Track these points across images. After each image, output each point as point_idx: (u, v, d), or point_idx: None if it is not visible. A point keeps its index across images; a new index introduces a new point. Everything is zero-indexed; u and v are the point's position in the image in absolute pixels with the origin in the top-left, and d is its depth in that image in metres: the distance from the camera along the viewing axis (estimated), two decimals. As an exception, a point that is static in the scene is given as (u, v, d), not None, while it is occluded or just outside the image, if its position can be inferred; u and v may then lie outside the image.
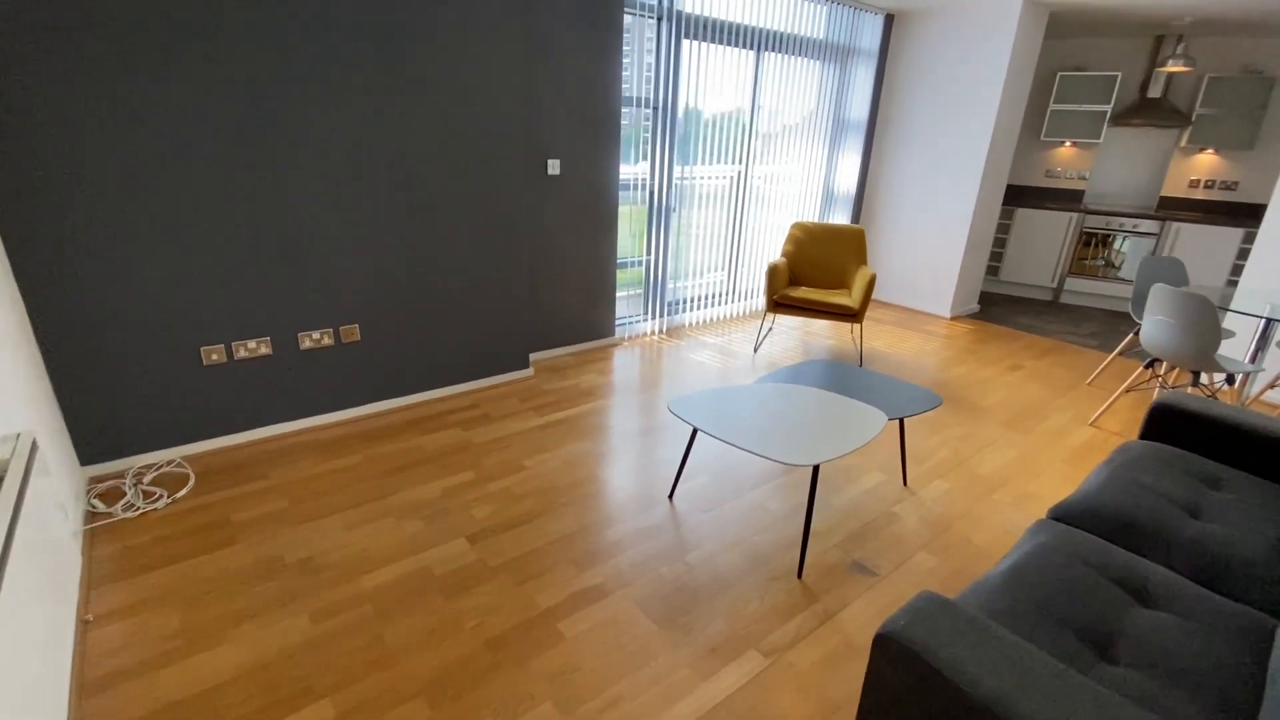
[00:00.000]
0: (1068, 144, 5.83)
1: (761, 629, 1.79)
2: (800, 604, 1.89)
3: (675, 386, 3.47)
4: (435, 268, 2.97)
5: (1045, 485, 2.62)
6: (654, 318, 4.25)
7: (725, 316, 4.79)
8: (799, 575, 2.02)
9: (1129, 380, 3.19)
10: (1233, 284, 5.03)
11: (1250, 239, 4.92)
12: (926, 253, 5.10)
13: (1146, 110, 5.29)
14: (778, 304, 3.92)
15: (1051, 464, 2.79)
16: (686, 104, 3.86)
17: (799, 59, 4.45)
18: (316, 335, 2.72)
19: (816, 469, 1.94)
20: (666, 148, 3.84)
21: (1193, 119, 5.14)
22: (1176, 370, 3.65)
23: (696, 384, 3.52)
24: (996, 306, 5.54)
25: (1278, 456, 1.92)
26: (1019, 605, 1.32)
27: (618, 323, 4.17)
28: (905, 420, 3.09)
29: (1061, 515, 1.75)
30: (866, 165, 5.34)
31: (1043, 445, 2.97)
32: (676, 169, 3.96)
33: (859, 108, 5.06)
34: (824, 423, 2.11)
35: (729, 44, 3.95)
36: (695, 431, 2.30)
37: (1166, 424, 2.14)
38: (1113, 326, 5.07)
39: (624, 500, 2.38)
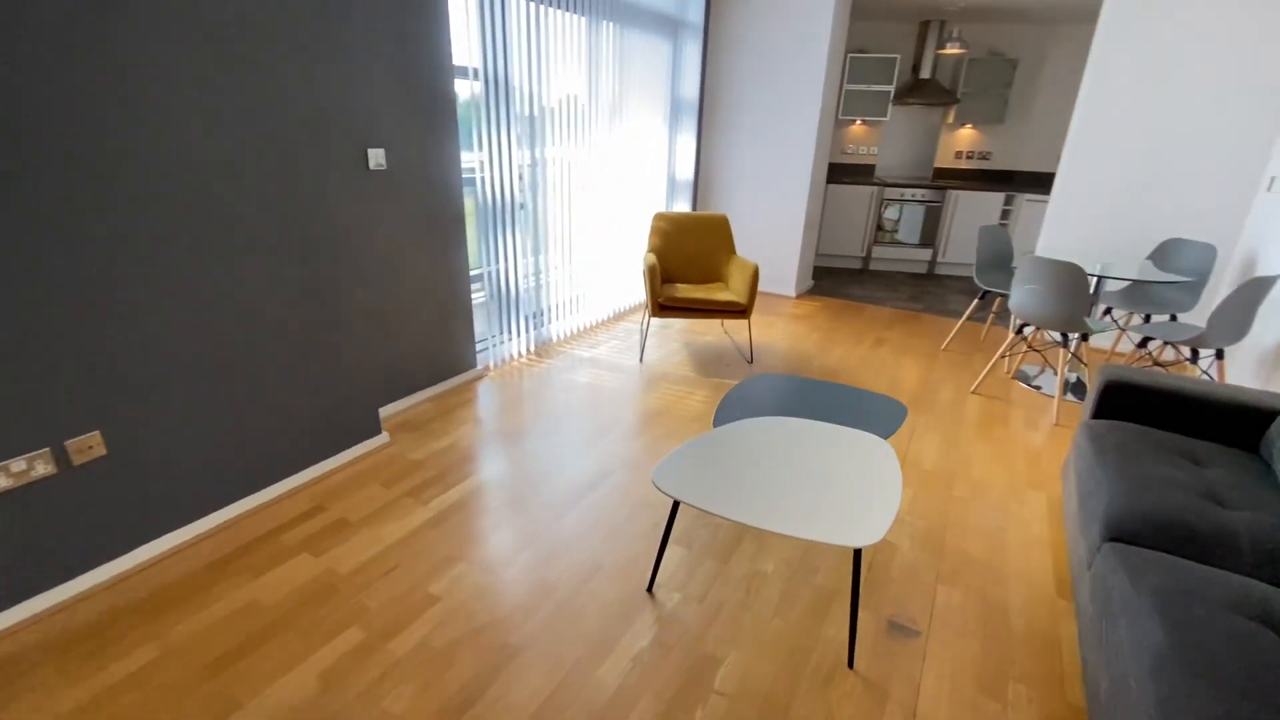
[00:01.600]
0: (859, 122, 6.27)
1: (856, 767, 1.36)
2: (872, 707, 1.50)
3: (578, 424, 2.85)
4: (227, 316, 1.95)
5: (988, 471, 2.59)
6: (517, 336, 3.54)
7: (592, 323, 4.23)
8: (850, 664, 1.63)
9: (1003, 346, 3.39)
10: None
11: (1010, 201, 5.75)
12: (769, 235, 5.08)
13: (920, 90, 5.85)
14: (663, 307, 3.48)
15: (972, 444, 2.80)
16: (521, 74, 3.16)
17: (635, 31, 3.98)
18: (20, 465, 1.59)
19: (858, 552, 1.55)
20: (505, 128, 3.10)
21: (959, 97, 5.81)
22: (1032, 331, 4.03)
23: (602, 416, 2.94)
24: (823, 279, 5.79)
25: (1227, 422, 2.01)
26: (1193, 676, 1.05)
27: (478, 349, 3.38)
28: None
29: (1120, 535, 1.59)
30: (700, 149, 5.12)
31: (950, 423, 2.99)
32: (520, 153, 3.25)
33: (690, 87, 4.79)
34: (837, 470, 1.72)
35: (559, 7, 3.32)
36: (676, 506, 1.77)
37: (1116, 400, 2.16)
38: (922, 289, 5.59)
39: (598, 609, 1.77)
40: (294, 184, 2.05)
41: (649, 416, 2.95)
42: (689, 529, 2.14)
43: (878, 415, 2.16)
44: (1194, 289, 3.42)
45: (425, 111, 2.68)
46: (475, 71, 2.92)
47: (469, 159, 3.02)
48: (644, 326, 4.24)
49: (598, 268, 4.15)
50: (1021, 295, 3.12)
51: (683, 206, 5.09)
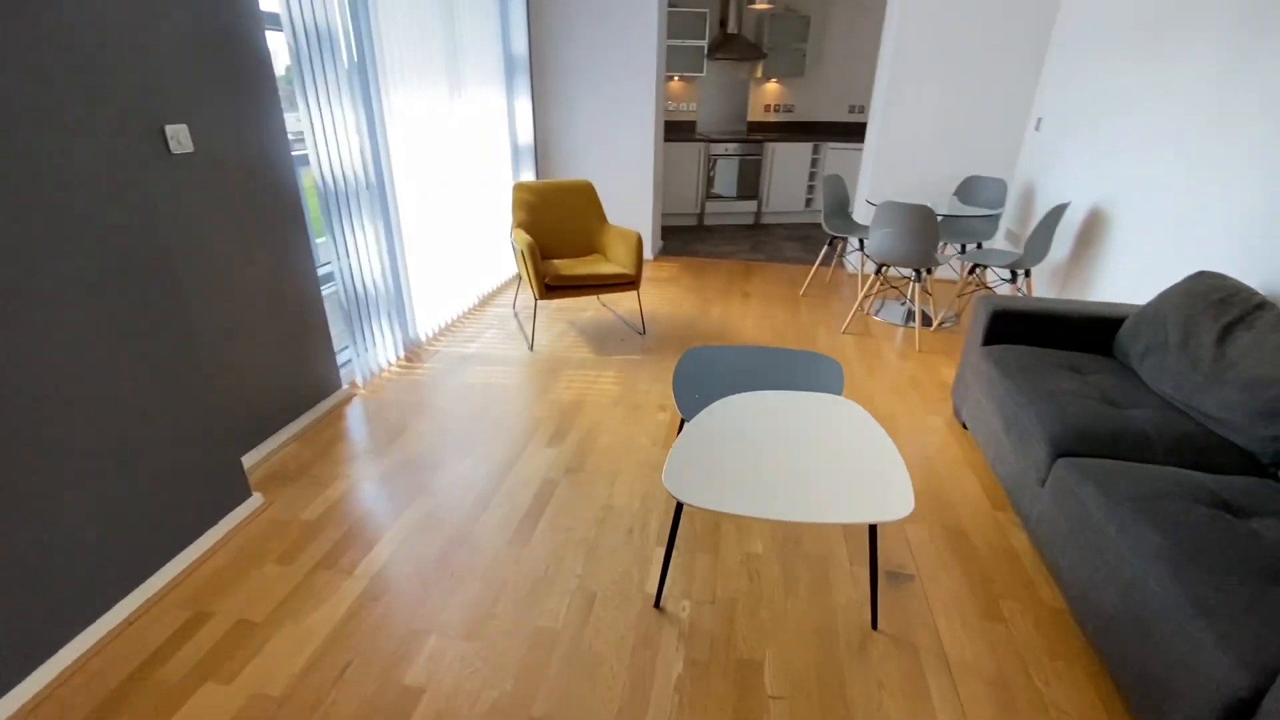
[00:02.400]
0: (677, 78, 6.31)
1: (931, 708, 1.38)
2: (911, 665, 1.54)
3: (493, 434, 2.52)
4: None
5: (888, 404, 2.81)
6: (381, 341, 3.00)
7: (460, 314, 3.75)
8: (874, 626, 1.65)
9: (865, 286, 3.68)
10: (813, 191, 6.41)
11: (817, 150, 6.26)
12: (621, 198, 4.93)
13: (729, 45, 6.03)
14: (550, 287, 3.19)
15: (865, 381, 3.03)
16: (344, 22, 2.57)
17: (455, -28, 3.46)
18: None
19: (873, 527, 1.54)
20: (334, 92, 2.51)
21: (764, 52, 6.10)
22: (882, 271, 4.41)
23: (516, 419, 2.63)
24: (669, 239, 5.85)
25: (1086, 333, 2.38)
26: (1205, 570, 1.23)
27: (341, 364, 2.80)
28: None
29: (1066, 451, 1.79)
30: (536, 112, 4.74)
31: (839, 363, 3.20)
32: (355, 121, 2.67)
33: (519, 42, 4.36)
34: (829, 441, 1.69)
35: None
36: (679, 510, 1.61)
37: (1001, 326, 2.43)
38: (756, 240, 5.91)
39: (613, 646, 1.56)
40: (67, 184, 1.42)
41: (568, 410, 2.71)
42: (663, 528, 2.00)
43: (819, 373, 2.19)
44: (994, 220, 4.02)
45: (233, 73, 2.04)
46: (290, 20, 2.28)
47: (300, 133, 2.39)
48: (523, 311, 3.89)
49: (455, 249, 3.67)
50: (880, 238, 3.39)
51: (528, 176, 4.71)
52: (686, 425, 1.71)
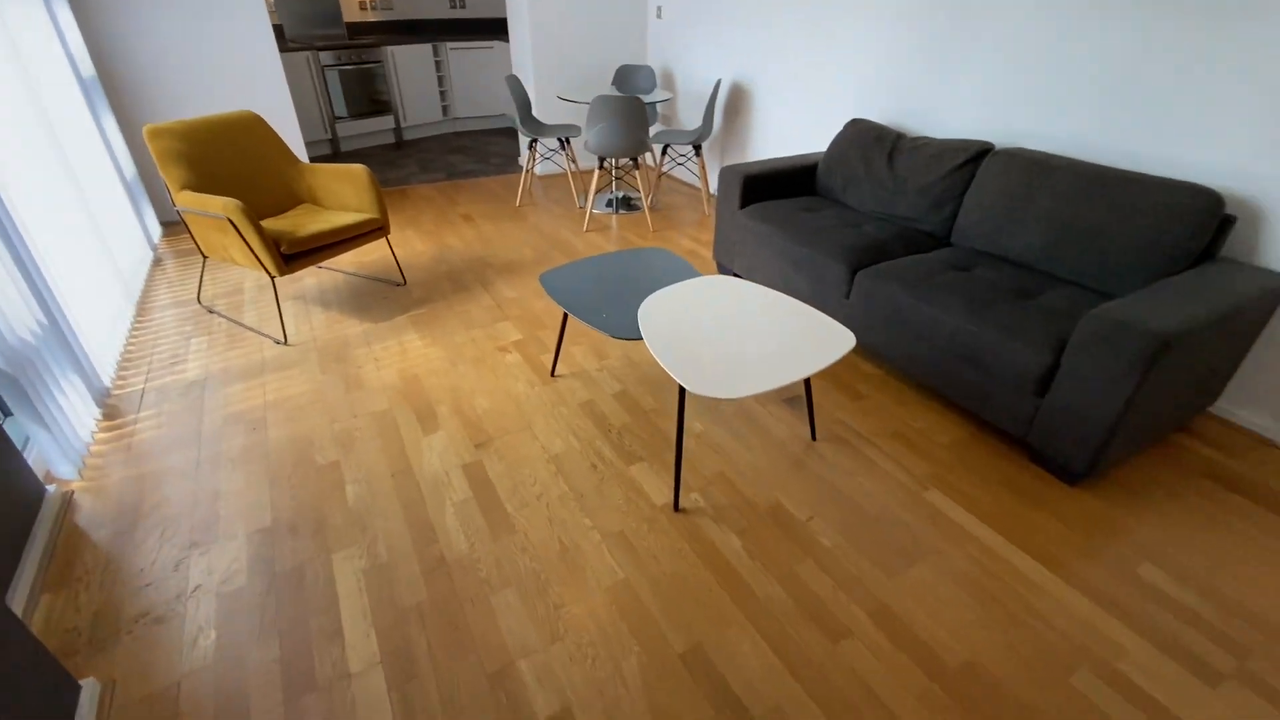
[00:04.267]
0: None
1: (909, 469, 1.90)
2: (846, 444, 2.03)
3: (352, 457, 2.01)
4: None
5: (676, 279, 3.18)
6: (70, 409, 1.92)
7: (128, 331, 2.56)
8: (811, 437, 2.08)
9: (593, 184, 3.83)
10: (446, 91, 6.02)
11: (438, 52, 5.82)
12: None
13: (296, -76, 4.93)
14: (292, 258, 2.47)
15: (643, 266, 3.33)
16: None
17: None
18: None
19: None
20: None
21: (346, -64, 5.16)
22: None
23: (359, 432, 2.12)
24: (315, 175, 4.88)
25: (798, 181, 3.07)
26: (984, 306, 1.99)
27: (28, 454, 1.73)
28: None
29: (857, 266, 2.41)
30: (84, 23, 3.18)
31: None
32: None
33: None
34: (745, 313, 1.94)
35: None
36: (682, 407, 1.70)
37: (749, 189, 2.96)
38: (414, 158, 5.40)
39: (697, 591, 1.63)
40: None
41: (408, 392, 2.30)
42: (616, 449, 2.03)
43: (668, 264, 2.37)
44: (662, 104, 4.56)
45: None
46: None
47: None
48: (223, 300, 2.87)
49: (82, 242, 2.44)
50: (598, 133, 3.57)
51: (108, 120, 3.25)
52: (646, 335, 1.73)
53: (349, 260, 3.37)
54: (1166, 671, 1.37)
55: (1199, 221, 1.88)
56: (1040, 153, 2.31)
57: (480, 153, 5.58)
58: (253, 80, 3.70)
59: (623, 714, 1.29)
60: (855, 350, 2.60)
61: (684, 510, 1.79)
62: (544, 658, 1.40)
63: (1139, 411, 1.71)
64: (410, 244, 3.59)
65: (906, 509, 1.80)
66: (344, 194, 2.81)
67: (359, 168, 2.75)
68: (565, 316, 2.27)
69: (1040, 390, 1.84)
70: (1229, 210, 2.00)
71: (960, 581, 1.58)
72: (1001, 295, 2.04)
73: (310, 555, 1.65)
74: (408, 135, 5.96)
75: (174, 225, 3.82)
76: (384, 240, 3.61)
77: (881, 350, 2.34)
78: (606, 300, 2.05)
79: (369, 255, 3.44)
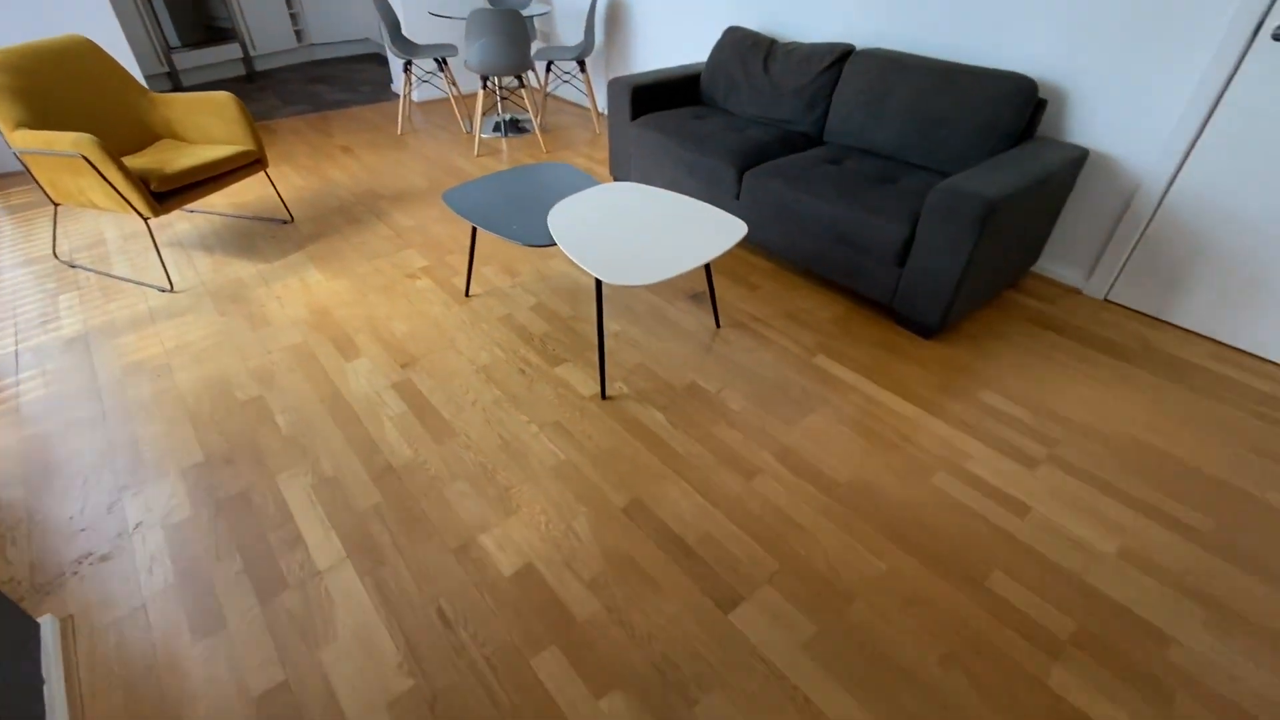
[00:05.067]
0: None
1: (810, 337, 2.17)
2: (747, 328, 2.28)
3: (277, 391, 2.00)
4: None
5: (575, 197, 3.25)
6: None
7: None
8: (716, 325, 2.31)
9: (478, 107, 3.73)
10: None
11: (282, -32, 5.23)
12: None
13: None
14: (165, 196, 2.31)
15: (541, 187, 3.36)
16: None
17: None
18: None
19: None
20: None
21: None
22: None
23: (277, 368, 2.10)
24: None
25: (683, 91, 3.17)
26: (855, 193, 2.27)
27: None
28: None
29: (745, 167, 2.60)
30: None
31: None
32: None
33: None
34: (646, 213, 2.08)
35: None
36: (600, 298, 1.85)
37: (638, 100, 3.04)
38: (275, 89, 4.95)
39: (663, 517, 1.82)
40: None
41: (320, 324, 2.28)
42: (541, 352, 2.15)
43: (569, 176, 2.45)
44: (535, 17, 4.41)
45: None
46: None
47: None
48: (85, 251, 2.61)
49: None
50: (479, 50, 3.46)
51: None
52: (558, 239, 1.84)
53: (223, 202, 3.14)
54: (1000, 465, 1.75)
55: (1019, 106, 2.21)
56: (895, 52, 2.55)
57: (347, 81, 5.18)
58: (61, 2, 3.22)
59: (579, 561, 1.49)
60: (748, 247, 2.84)
61: (611, 397, 1.97)
62: (502, 529, 1.56)
63: (977, 270, 2.06)
64: (289, 180, 3.38)
65: (799, 373, 2.08)
66: (209, 126, 2.61)
67: (224, 95, 2.55)
68: (474, 236, 2.31)
69: (901, 261, 2.15)
70: (1041, 95, 2.35)
71: (845, 423, 1.89)
72: (867, 182, 2.31)
73: (253, 480, 1.69)
74: (260, 66, 5.41)
75: (6, 177, 3.36)
76: (262, 176, 3.38)
77: (771, 244, 2.58)
78: (513, 214, 2.12)
79: (246, 195, 3.22)
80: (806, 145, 2.80)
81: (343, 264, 2.64)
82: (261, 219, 2.98)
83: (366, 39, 5.94)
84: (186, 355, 2.12)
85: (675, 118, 2.95)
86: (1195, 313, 2.26)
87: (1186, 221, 2.17)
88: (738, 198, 2.64)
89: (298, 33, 5.52)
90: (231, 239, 2.82)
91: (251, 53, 5.22)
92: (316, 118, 4.33)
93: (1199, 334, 2.27)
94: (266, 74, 5.34)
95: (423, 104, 4.65)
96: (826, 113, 2.77)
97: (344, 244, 2.79)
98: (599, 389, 2.00)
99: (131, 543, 1.53)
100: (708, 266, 2.15)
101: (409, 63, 3.87)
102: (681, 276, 2.60)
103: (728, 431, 1.85)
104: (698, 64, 3.30)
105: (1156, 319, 2.35)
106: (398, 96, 4.76)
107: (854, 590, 1.43)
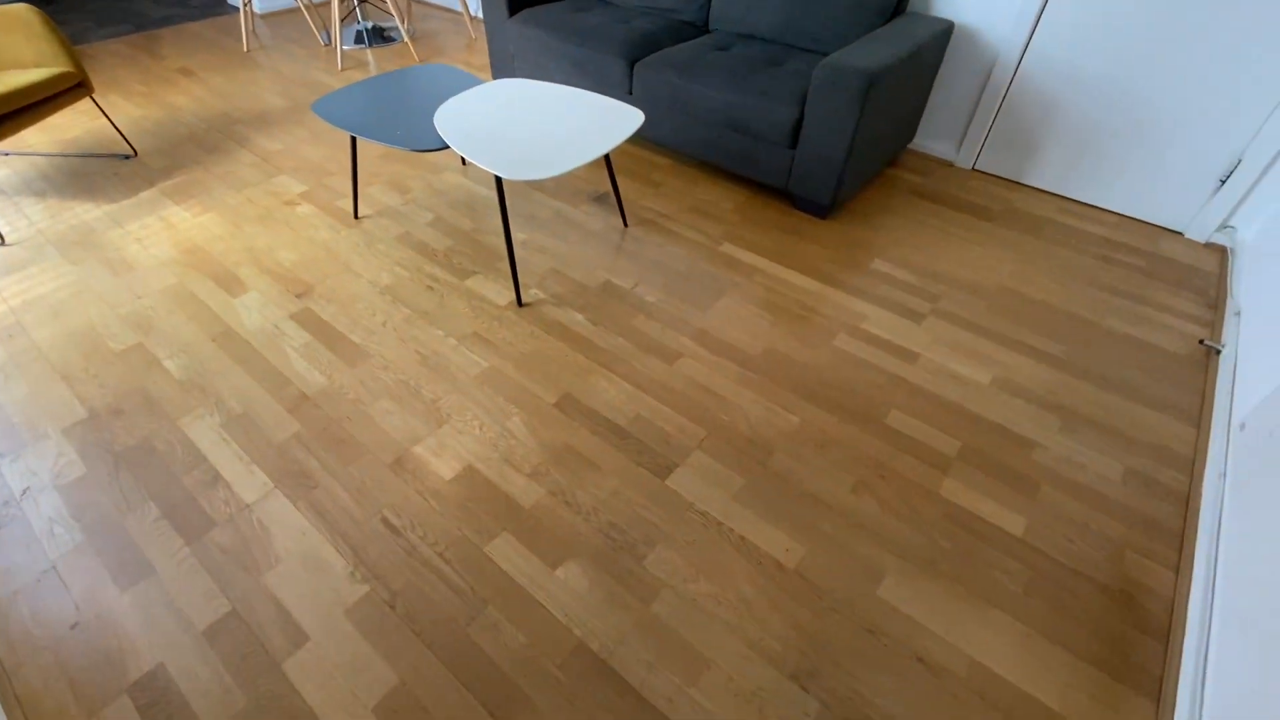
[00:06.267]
0: None
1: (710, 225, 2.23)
2: (655, 225, 2.31)
3: (169, 322, 1.82)
4: None
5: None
6: None
7: None
8: (623, 224, 2.31)
9: (334, 15, 3.34)
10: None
11: None
12: None
13: None
14: (-33, 131, 1.96)
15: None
16: None
17: None
18: None
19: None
20: None
21: None
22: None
23: (155, 308, 1.91)
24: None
25: None
26: (743, 77, 2.29)
27: None
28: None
29: (635, 59, 2.53)
30: None
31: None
32: None
33: None
34: (536, 108, 2.00)
35: None
36: (501, 197, 1.80)
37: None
38: (89, 11, 4.20)
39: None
40: None
41: (195, 261, 2.08)
42: (446, 267, 2.09)
43: (451, 80, 2.29)
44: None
45: None
46: None
47: None
48: None
49: None
50: (325, -53, 3.07)
51: None
52: (449, 139, 1.75)
53: (45, 140, 2.71)
54: (891, 322, 1.92)
55: (891, -21, 2.27)
56: (770, -71, 2.52)
57: (168, -6, 4.47)
58: None
59: (517, 457, 1.53)
60: (648, 144, 2.81)
61: (527, 304, 1.96)
62: (435, 439, 1.56)
63: (862, 146, 2.16)
64: (122, 110, 2.95)
65: (708, 261, 2.15)
66: (10, 47, 2.21)
67: (22, 7, 2.15)
68: (354, 152, 2.15)
69: (792, 143, 2.22)
70: (911, -31, 2.42)
71: (754, 301, 1.99)
72: (756, 67, 2.33)
73: (153, 428, 1.57)
74: (52, -21, 4.54)
75: None
76: (90, 107, 2.92)
77: (668, 139, 2.57)
78: (395, 119, 1.98)
79: (72, 129, 2.78)
80: (693, 34, 2.75)
81: (208, 197, 2.39)
82: (97, 155, 2.60)
83: (183, -58, 5.09)
84: (40, 311, 1.89)
85: (557, 11, 2.80)
86: (1047, 173, 2.51)
87: (1038, 88, 2.36)
88: (630, 92, 2.59)
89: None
90: (65, 181, 2.46)
91: (38, -37, 4.36)
92: (142, 38, 3.74)
93: (1050, 192, 2.53)
94: (63, -11, 4.50)
95: (268, 16, 4.12)
96: (710, 0, 2.72)
97: (205, 175, 2.51)
98: (514, 297, 1.98)
99: (22, 510, 1.41)
100: (609, 165, 2.13)
101: (242, -36, 3.38)
102: (583, 179, 2.56)
103: (647, 323, 1.90)
104: (573, -47, 3.10)
105: (1017, 182, 2.59)
106: (236, 9, 4.18)
107: (774, 444, 1.56)
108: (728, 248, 2.21)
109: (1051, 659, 1.19)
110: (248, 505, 1.42)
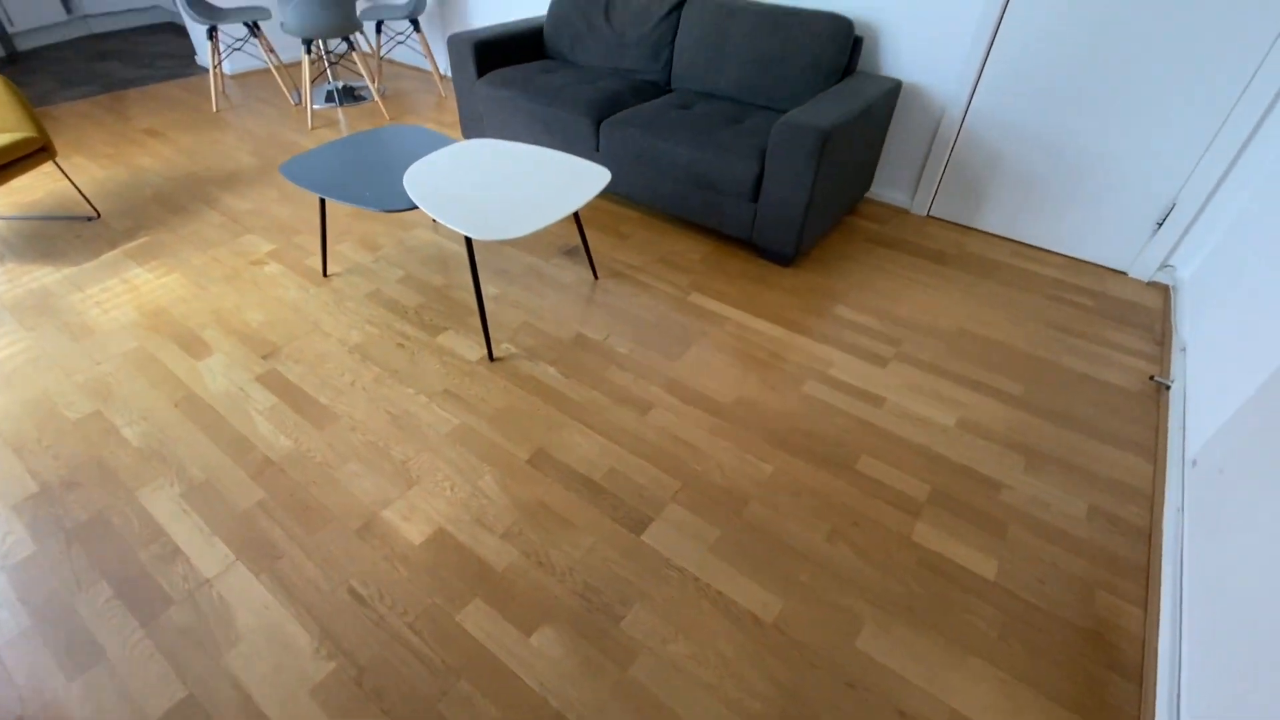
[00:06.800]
0: None
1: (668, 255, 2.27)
2: (625, 278, 2.35)
3: (134, 393, 1.78)
4: None
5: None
6: None
7: None
8: (594, 276, 2.35)
9: (305, 75, 3.40)
10: (58, -19, 4.64)
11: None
12: None
13: None
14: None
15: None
16: None
17: None
18: None
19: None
20: None
21: None
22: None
23: (120, 371, 1.86)
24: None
25: (526, 45, 3.10)
26: (706, 134, 2.39)
27: None
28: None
29: (601, 118, 2.62)
30: None
31: (355, 154, 3.20)
32: None
33: None
34: (508, 170, 2.05)
35: None
36: (471, 253, 1.82)
37: (482, 57, 2.93)
38: (51, 72, 4.21)
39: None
40: None
41: (160, 324, 2.05)
42: (419, 323, 2.09)
43: (421, 141, 2.34)
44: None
45: None
46: None
47: None
48: None
49: None
50: (295, 11, 3.16)
51: None
52: (418, 200, 1.78)
53: (3, 203, 2.67)
54: (857, 367, 1.97)
55: (839, 43, 2.40)
56: (726, -3, 2.66)
57: (139, 56, 4.51)
58: None
59: (490, 517, 1.51)
60: (615, 198, 2.88)
61: (499, 359, 1.97)
62: (405, 501, 1.53)
63: (820, 197, 2.25)
64: (85, 172, 2.93)
65: (677, 311, 2.18)
66: (-32, 110, 2.20)
67: (-21, 73, 2.15)
68: (323, 211, 2.16)
69: (754, 196, 2.30)
70: (859, 32, 2.57)
71: (724, 350, 2.02)
72: (717, 124, 2.42)
73: (108, 501, 1.52)
74: (22, 45, 4.56)
75: None
76: (52, 170, 2.89)
77: (635, 193, 2.64)
78: (363, 180, 2.00)
79: (33, 192, 2.75)
80: (656, 93, 2.86)
81: (173, 258, 2.36)
82: (59, 218, 2.57)
83: (155, 5, 5.18)
84: (17, 368, 1.83)
85: (524, 72, 2.89)
86: (997, 218, 2.63)
87: (983, 139, 2.50)
88: (597, 149, 2.66)
89: (65, 2, 4.69)
90: (23, 244, 2.41)
91: (9, 29, 4.38)
92: (108, 99, 3.75)
93: (1002, 236, 2.65)
94: (33, 53, 4.51)
95: (238, 76, 4.17)
96: (671, 60, 2.85)
97: (169, 236, 2.49)
98: (485, 352, 1.98)
99: (-37, 594, 1.34)
100: (579, 219, 2.18)
101: (213, 29, 3.44)
102: (553, 233, 2.60)
103: (618, 374, 1.92)
104: (539, 17, 3.23)
105: (969, 227, 2.71)
106: (206, 70, 4.23)
107: (748, 493, 1.57)
108: (696, 297, 2.25)
109: (1029, 705, 1.20)
110: (207, 580, 1.37)
